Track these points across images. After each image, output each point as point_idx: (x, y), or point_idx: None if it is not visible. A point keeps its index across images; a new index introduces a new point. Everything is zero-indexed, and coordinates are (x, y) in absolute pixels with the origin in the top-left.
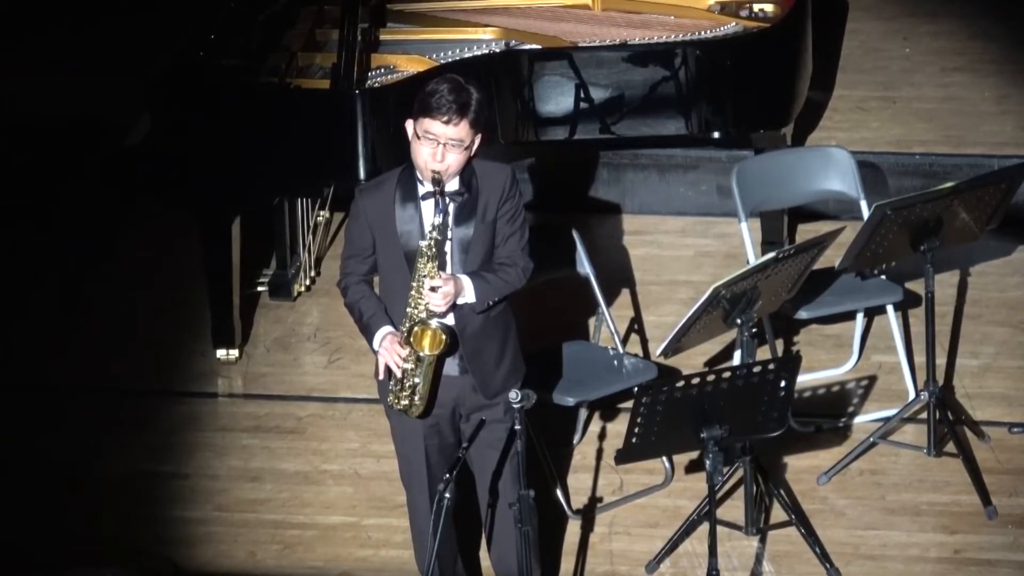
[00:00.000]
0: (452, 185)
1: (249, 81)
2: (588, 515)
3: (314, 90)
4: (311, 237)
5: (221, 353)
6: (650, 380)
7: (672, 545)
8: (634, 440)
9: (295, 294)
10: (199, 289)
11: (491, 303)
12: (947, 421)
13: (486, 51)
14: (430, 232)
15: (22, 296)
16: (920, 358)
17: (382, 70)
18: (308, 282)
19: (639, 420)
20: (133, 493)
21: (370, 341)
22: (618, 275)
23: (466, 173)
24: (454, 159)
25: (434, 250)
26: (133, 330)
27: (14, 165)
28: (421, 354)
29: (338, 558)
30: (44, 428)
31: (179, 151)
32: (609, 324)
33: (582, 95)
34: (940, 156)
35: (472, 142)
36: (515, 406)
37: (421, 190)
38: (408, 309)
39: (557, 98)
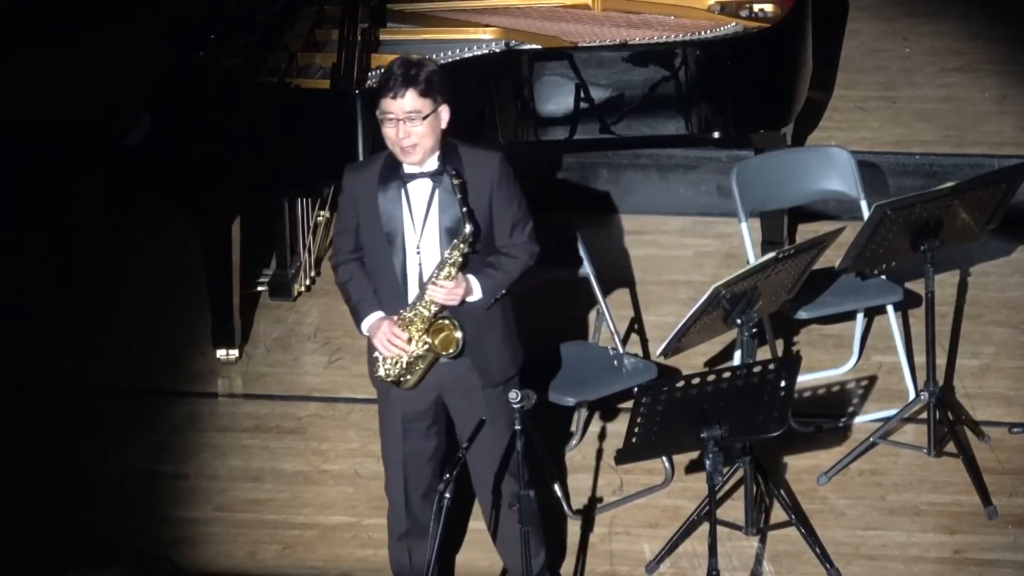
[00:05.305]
0: (431, 164)
1: (249, 81)
2: (588, 515)
3: (314, 90)
4: (311, 237)
5: (221, 353)
6: (650, 380)
7: (672, 545)
8: (634, 440)
9: (295, 294)
10: (199, 289)
11: (497, 297)
12: (947, 421)
13: (486, 51)
14: (463, 236)
15: (23, 296)
16: (920, 358)
17: (382, 70)
18: (308, 282)
19: (639, 420)
20: (133, 493)
21: (358, 324)
22: (618, 275)
23: (451, 158)
24: (418, 131)
25: (463, 257)
26: (133, 330)
27: (15, 165)
28: (431, 342)
29: (338, 558)
30: (44, 428)
31: (179, 151)
32: (609, 324)
33: (582, 95)
34: (940, 156)
35: (432, 112)
36: (515, 406)
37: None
38: (416, 301)
39: (557, 98)
